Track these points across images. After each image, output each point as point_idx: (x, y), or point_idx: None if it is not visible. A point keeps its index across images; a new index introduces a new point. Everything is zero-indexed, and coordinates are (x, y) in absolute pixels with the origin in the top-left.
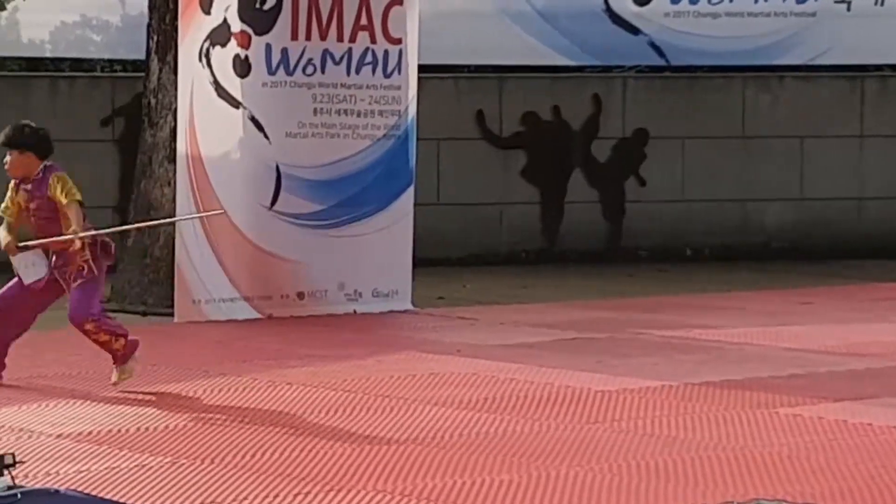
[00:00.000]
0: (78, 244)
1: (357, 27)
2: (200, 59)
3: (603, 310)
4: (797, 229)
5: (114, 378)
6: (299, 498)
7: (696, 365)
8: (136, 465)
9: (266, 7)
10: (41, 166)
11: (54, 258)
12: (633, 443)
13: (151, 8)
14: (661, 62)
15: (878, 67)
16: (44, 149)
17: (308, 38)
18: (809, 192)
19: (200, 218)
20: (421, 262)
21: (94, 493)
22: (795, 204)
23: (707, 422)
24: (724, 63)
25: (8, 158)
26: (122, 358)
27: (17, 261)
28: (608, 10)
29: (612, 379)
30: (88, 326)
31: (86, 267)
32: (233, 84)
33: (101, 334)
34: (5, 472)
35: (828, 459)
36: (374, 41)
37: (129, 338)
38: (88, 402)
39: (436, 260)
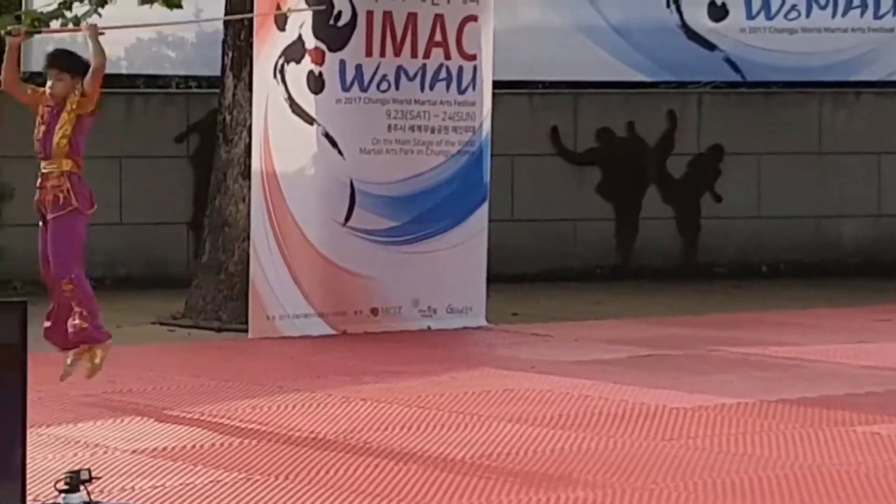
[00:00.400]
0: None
1: (431, 43)
2: (275, 76)
3: (678, 326)
4: (874, 245)
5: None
6: None
7: (772, 382)
8: (210, 481)
9: (340, 24)
10: None
11: (39, 180)
12: (708, 460)
13: (227, 24)
14: (737, 78)
15: None
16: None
17: (382, 54)
18: (886, 208)
19: (275, 233)
20: (495, 279)
21: None
22: (872, 220)
23: (783, 439)
24: (800, 79)
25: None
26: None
27: None
28: (683, 25)
29: (687, 396)
30: (66, 287)
31: (62, 197)
32: (307, 100)
33: (73, 300)
34: (81, 487)
35: None
36: (448, 57)
37: (102, 330)
38: (164, 417)
39: (510, 276)
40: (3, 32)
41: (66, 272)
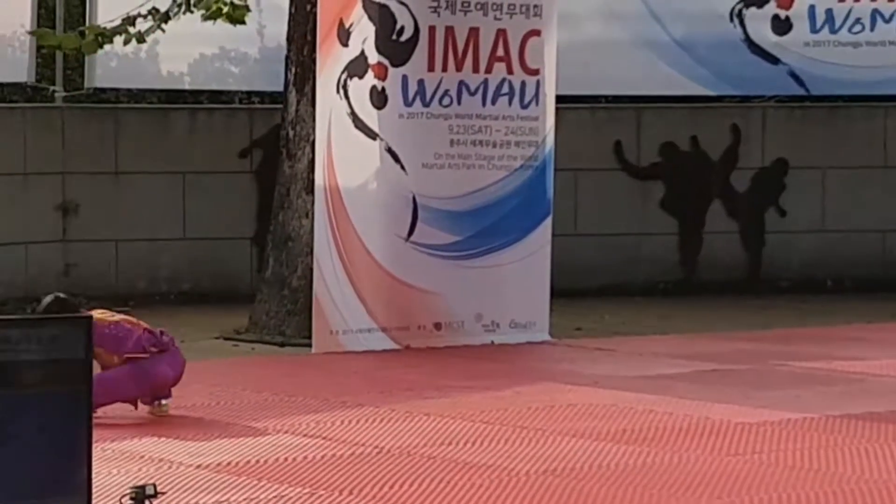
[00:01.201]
0: None
1: (493, 58)
2: (338, 91)
3: (743, 341)
4: None
5: None
6: None
7: (838, 397)
8: (275, 496)
9: (403, 39)
10: None
11: None
12: (773, 476)
13: (289, 40)
14: (801, 91)
15: None
16: None
17: (444, 69)
18: None
19: (338, 248)
20: (558, 293)
21: None
22: None
23: (849, 454)
24: (865, 92)
25: None
26: None
27: None
28: (747, 39)
29: (753, 411)
30: None
31: None
32: (370, 115)
33: None
34: (147, 502)
35: None
36: (510, 72)
37: None
38: (227, 432)
39: (573, 291)
40: (68, 49)
41: None
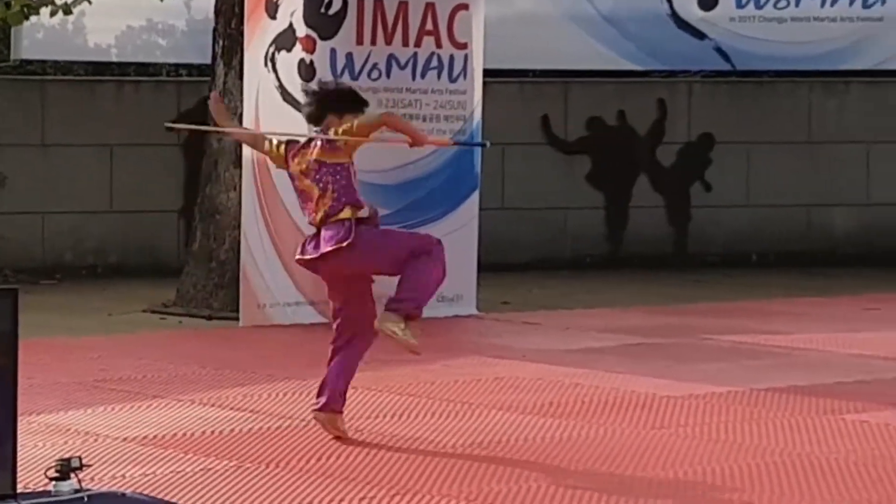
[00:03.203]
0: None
1: (422, 32)
2: (266, 64)
3: (668, 315)
4: (864, 235)
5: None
6: (364, 502)
7: (762, 371)
8: (201, 469)
9: (331, 12)
10: None
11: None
12: (698, 448)
13: (217, 12)
14: (727, 67)
15: None
16: None
17: (373, 42)
18: (876, 197)
19: (266, 221)
20: (486, 267)
21: (159, 496)
22: (862, 209)
23: (773, 427)
24: (790, 68)
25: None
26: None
27: None
28: (673, 14)
29: (678, 384)
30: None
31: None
32: (298, 89)
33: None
34: (72, 475)
35: (895, 466)
36: (439, 46)
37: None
38: (154, 405)
39: (501, 265)
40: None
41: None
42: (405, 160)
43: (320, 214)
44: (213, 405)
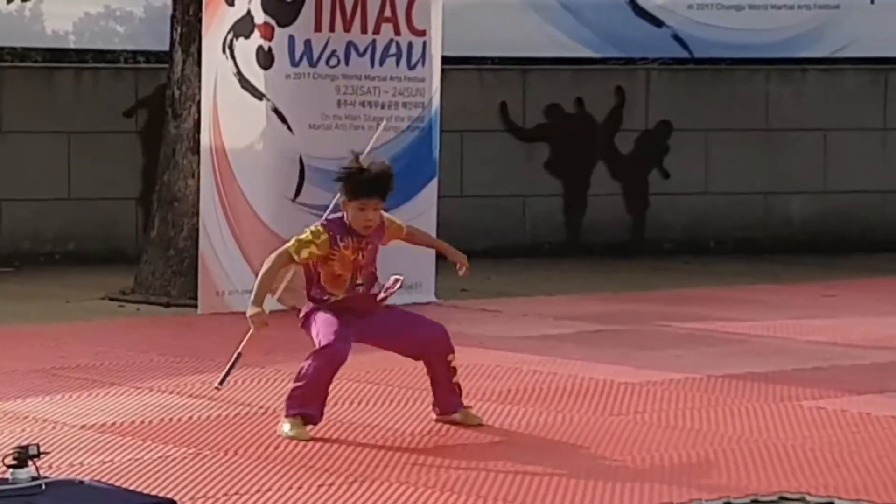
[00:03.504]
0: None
1: (381, 19)
2: (224, 51)
3: (626, 302)
4: (821, 222)
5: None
6: (322, 489)
7: (720, 357)
8: (159, 457)
9: None
10: None
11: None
12: (656, 435)
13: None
14: (685, 54)
15: None
16: None
17: (332, 29)
18: (833, 185)
19: (224, 208)
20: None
21: (118, 483)
22: (819, 197)
23: (730, 414)
24: (747, 55)
25: (370, 213)
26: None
27: None
28: (631, 2)
29: (636, 371)
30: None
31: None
32: (256, 76)
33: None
34: (29, 462)
35: (851, 453)
36: (398, 33)
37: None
38: (112, 393)
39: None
40: None
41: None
42: (361, 148)
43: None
44: (171, 392)
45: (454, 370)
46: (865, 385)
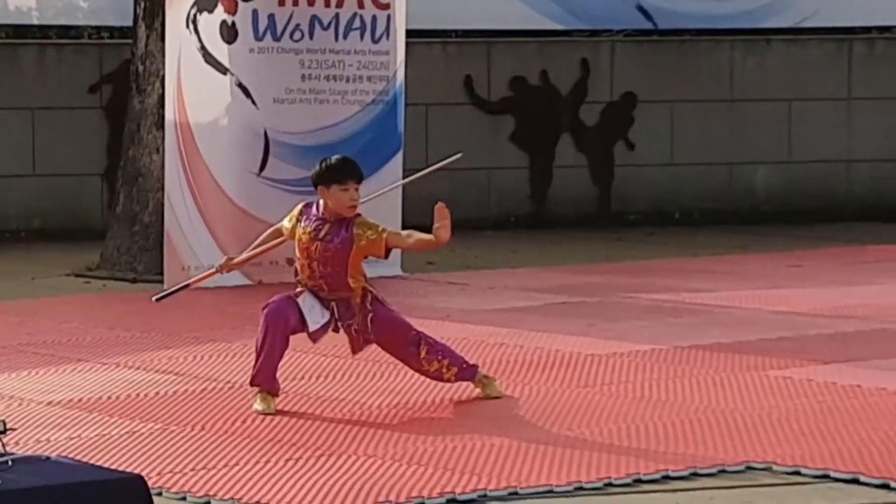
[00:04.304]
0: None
1: None
2: (188, 26)
3: (592, 274)
4: (786, 192)
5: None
6: (290, 463)
7: (686, 328)
8: (126, 432)
9: None
10: None
11: (335, 309)
12: (623, 406)
13: None
14: (649, 26)
15: (866, 30)
16: None
17: (295, 3)
18: (798, 155)
19: (189, 183)
20: (410, 228)
21: (85, 459)
22: (784, 167)
23: (697, 385)
24: (712, 26)
25: (353, 193)
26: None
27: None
28: None
29: (602, 343)
30: (423, 356)
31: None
32: (220, 50)
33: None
34: None
35: (817, 421)
36: (361, 6)
37: (465, 365)
38: (79, 369)
39: (425, 225)
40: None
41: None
42: (330, 121)
43: None
44: (137, 368)
45: (430, 365)
46: (831, 354)
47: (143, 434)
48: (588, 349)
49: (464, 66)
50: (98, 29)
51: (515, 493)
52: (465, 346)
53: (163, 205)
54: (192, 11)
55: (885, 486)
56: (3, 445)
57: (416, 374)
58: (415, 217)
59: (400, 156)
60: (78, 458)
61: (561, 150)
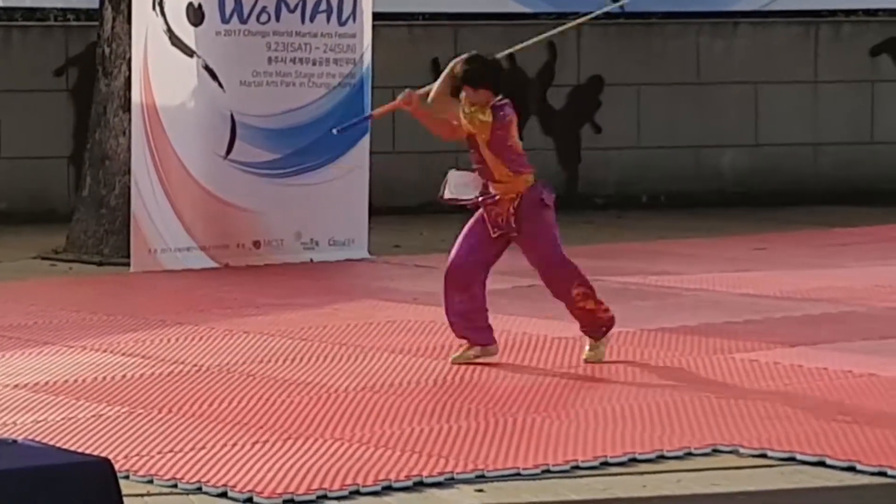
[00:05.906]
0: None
1: None
2: (154, 8)
3: None
4: (752, 175)
5: (585, 354)
6: (257, 446)
7: (652, 311)
8: (93, 415)
9: None
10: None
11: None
12: (589, 389)
13: None
14: (616, 9)
15: (832, 13)
16: None
17: None
18: (764, 138)
19: (156, 166)
20: (377, 211)
21: (51, 443)
22: (751, 150)
23: (663, 368)
24: (678, 9)
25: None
26: (602, 331)
27: (451, 177)
28: None
29: (569, 326)
30: (576, 291)
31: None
32: (186, 32)
33: (587, 301)
34: None
35: (783, 404)
36: None
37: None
38: (45, 352)
39: (392, 208)
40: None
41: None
42: (296, 104)
43: None
44: (104, 351)
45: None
46: (797, 337)
47: (109, 417)
48: (555, 332)
49: (430, 49)
50: (64, 11)
51: (482, 476)
52: (432, 328)
53: (129, 188)
54: None
55: (851, 469)
56: None
57: (383, 357)
58: (382, 199)
59: (367, 139)
60: (44, 441)
61: (528, 134)
